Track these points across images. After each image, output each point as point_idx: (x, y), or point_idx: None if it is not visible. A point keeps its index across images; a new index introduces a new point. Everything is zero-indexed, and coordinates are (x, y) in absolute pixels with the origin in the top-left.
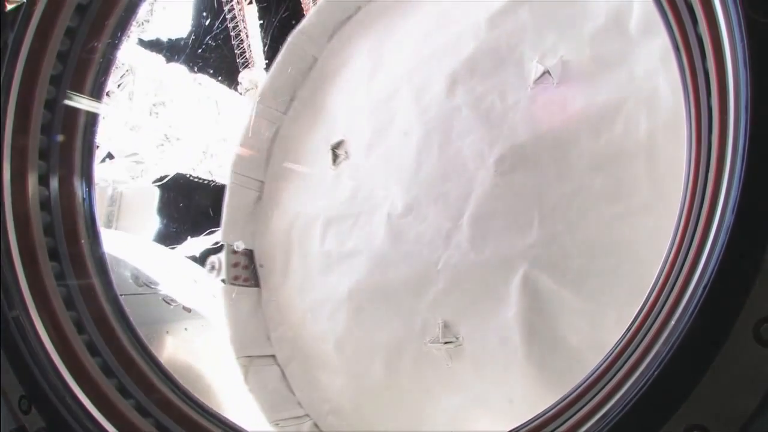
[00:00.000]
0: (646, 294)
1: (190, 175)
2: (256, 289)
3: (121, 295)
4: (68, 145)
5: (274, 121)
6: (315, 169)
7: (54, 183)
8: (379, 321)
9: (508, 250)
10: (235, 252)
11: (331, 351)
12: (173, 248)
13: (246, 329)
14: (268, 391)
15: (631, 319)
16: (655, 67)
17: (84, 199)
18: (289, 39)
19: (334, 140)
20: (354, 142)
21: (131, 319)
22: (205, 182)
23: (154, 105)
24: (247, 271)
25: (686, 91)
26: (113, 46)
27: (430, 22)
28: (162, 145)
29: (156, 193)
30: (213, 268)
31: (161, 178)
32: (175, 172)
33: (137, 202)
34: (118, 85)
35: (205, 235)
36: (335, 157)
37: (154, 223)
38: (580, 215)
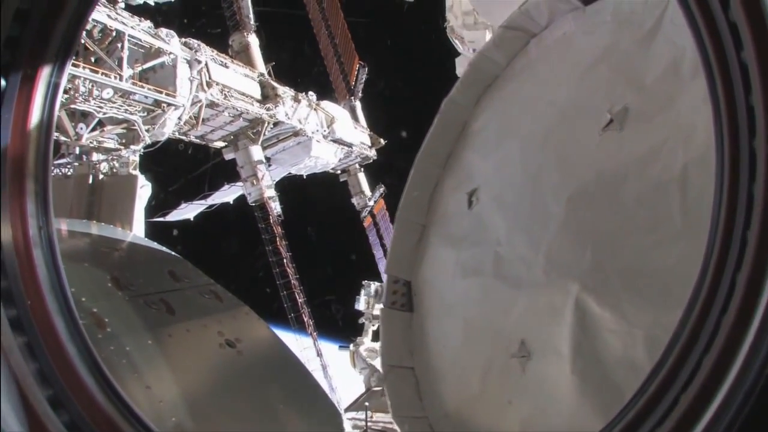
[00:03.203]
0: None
1: (182, 141)
2: (409, 313)
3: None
4: None
5: (434, 177)
6: (457, 213)
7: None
8: (480, 340)
9: (568, 276)
10: (396, 282)
11: (448, 366)
12: (166, 213)
13: (395, 344)
14: (401, 393)
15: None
16: (696, 106)
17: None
18: (442, 107)
19: (470, 188)
20: (483, 189)
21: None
22: (198, 147)
23: (144, 71)
24: (403, 298)
25: (719, 127)
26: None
27: (538, 86)
28: (153, 111)
29: (140, 179)
30: (376, 293)
31: (153, 145)
32: (166, 138)
33: (118, 190)
34: (106, 52)
35: (199, 199)
36: (470, 202)
37: (139, 208)
38: (623, 244)
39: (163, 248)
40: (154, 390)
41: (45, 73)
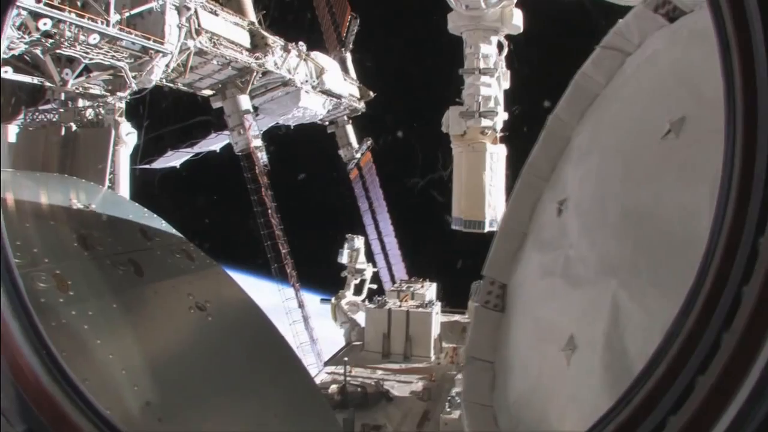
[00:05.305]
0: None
1: (170, 88)
2: (500, 313)
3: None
4: None
5: (538, 187)
6: (549, 221)
7: None
8: (543, 336)
9: (610, 273)
10: (492, 283)
11: (517, 361)
12: (152, 160)
13: (481, 340)
14: (476, 383)
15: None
16: None
17: None
18: (548, 122)
19: (562, 198)
20: (570, 199)
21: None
22: (186, 95)
23: (131, 17)
24: (498, 299)
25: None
26: None
27: (624, 102)
28: (140, 58)
29: (125, 126)
30: (475, 291)
31: (140, 92)
32: (153, 85)
33: (92, 142)
34: None
35: (185, 147)
36: (559, 211)
37: (124, 155)
38: (658, 243)
39: (136, 204)
40: (116, 358)
41: None
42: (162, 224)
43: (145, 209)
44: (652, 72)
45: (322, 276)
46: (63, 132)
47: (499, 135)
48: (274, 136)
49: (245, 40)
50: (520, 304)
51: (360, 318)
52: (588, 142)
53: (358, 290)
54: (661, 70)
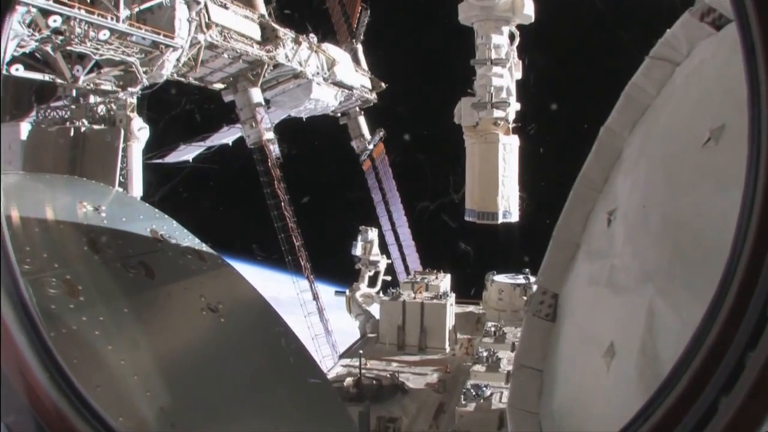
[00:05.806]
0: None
1: (180, 82)
2: (551, 323)
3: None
4: None
5: (591, 198)
6: (599, 231)
7: None
8: (586, 344)
9: (648, 280)
10: (544, 293)
11: (562, 369)
12: (164, 155)
13: (531, 348)
14: (523, 390)
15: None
16: None
17: None
18: (600, 134)
19: (610, 209)
20: (619, 209)
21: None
22: (197, 89)
23: (141, 12)
24: (549, 309)
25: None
26: None
27: (672, 111)
28: (151, 53)
29: (138, 121)
30: (527, 302)
31: (151, 87)
32: (164, 80)
33: (101, 143)
34: None
35: (197, 141)
36: (609, 221)
37: (137, 151)
38: (693, 248)
39: (146, 205)
40: (128, 364)
41: None
42: (173, 224)
43: (156, 210)
44: (699, 81)
45: (337, 268)
46: (72, 132)
47: (511, 126)
48: (286, 128)
49: (256, 33)
50: (568, 313)
51: (374, 310)
52: (637, 153)
53: (372, 282)
54: (706, 79)
